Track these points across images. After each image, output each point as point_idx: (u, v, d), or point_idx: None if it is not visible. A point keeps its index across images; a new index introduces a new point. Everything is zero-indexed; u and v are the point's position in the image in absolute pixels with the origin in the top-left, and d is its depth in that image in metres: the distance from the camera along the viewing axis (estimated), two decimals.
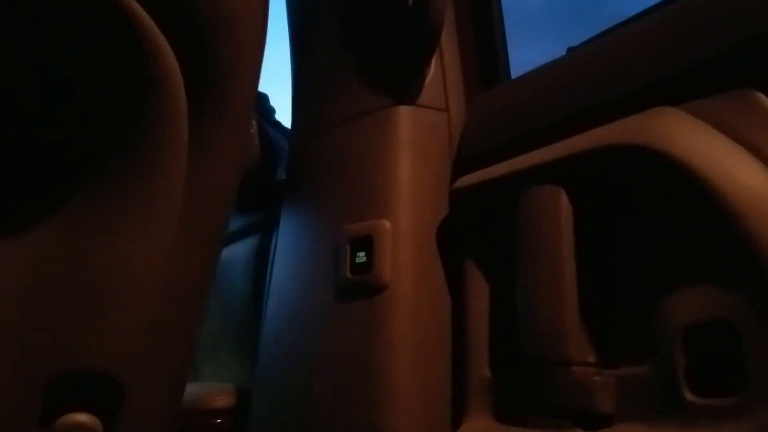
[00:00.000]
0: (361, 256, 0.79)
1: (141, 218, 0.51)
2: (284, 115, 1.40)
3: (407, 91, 0.85)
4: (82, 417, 0.50)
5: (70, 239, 0.50)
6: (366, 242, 0.79)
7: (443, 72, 0.88)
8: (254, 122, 1.07)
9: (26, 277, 0.49)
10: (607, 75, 0.67)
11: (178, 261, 0.53)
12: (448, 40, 0.89)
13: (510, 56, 0.96)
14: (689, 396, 0.54)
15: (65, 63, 0.48)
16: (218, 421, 1.02)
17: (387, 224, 0.79)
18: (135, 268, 0.51)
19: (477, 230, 0.78)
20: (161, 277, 0.52)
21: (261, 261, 1.11)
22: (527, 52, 0.98)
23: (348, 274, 0.80)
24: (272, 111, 1.34)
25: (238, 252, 1.19)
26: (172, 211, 0.52)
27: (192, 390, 0.85)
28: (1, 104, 0.49)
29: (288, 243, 0.94)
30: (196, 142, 0.52)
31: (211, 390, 1.05)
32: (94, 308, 0.50)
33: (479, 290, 0.76)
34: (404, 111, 0.84)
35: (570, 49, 0.82)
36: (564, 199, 0.66)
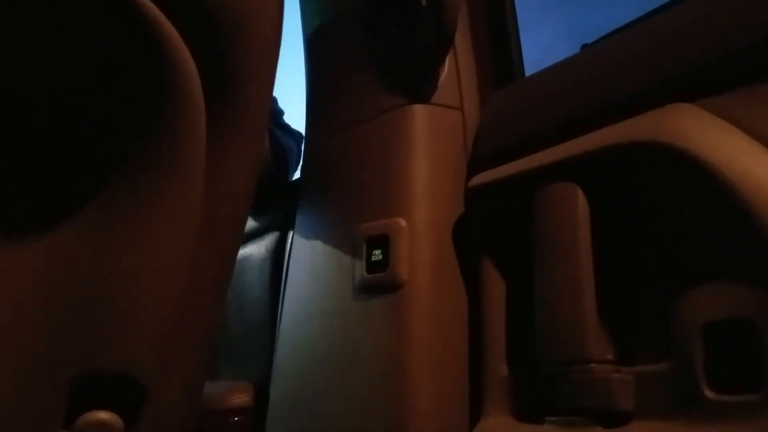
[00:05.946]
0: (378, 255, 0.80)
1: (160, 219, 0.51)
2: (293, 117, 1.40)
3: (421, 90, 0.85)
4: (104, 415, 0.51)
5: (89, 240, 0.50)
6: (382, 241, 0.80)
7: (457, 70, 0.88)
8: None
9: (46, 278, 0.49)
10: (622, 72, 0.67)
11: (197, 262, 0.54)
12: (461, 38, 0.89)
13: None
14: (708, 393, 0.54)
15: (84, 65, 0.49)
16: (236, 419, 1.02)
17: (403, 222, 0.79)
18: (154, 269, 0.51)
19: (493, 228, 0.78)
20: (180, 278, 0.53)
21: (277, 260, 1.12)
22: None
23: (364, 272, 0.81)
24: (280, 113, 1.34)
25: (254, 251, 1.20)
26: (191, 212, 0.52)
27: (210, 388, 0.85)
28: (22, 105, 0.49)
29: (304, 242, 0.95)
30: (213, 144, 0.53)
31: (229, 388, 1.06)
32: (114, 309, 0.50)
33: (496, 288, 0.76)
34: (419, 110, 0.84)
35: (584, 47, 0.82)
36: (580, 197, 0.66)
